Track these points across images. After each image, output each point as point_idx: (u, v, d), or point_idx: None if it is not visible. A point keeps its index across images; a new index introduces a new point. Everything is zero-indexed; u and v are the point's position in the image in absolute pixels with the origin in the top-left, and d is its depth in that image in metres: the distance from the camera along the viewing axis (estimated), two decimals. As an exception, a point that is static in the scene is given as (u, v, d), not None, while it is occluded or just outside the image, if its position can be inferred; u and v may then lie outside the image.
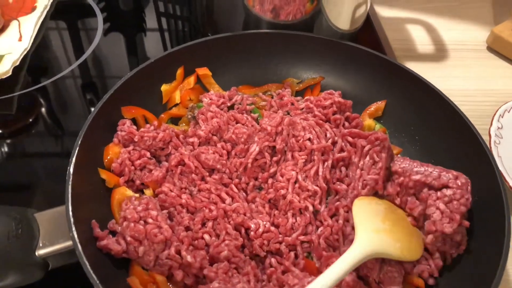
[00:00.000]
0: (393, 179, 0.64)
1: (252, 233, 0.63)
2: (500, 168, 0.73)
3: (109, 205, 0.64)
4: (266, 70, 0.86)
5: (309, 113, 0.77)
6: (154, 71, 0.78)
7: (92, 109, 0.76)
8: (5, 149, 0.82)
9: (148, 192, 0.67)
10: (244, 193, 0.69)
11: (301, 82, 0.86)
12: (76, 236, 0.54)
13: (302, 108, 0.79)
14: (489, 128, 0.79)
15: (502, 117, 0.82)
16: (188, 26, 1.12)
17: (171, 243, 0.59)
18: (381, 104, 0.81)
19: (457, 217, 0.58)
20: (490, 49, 1.05)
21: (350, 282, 0.56)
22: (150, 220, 0.59)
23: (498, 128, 0.80)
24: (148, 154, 0.70)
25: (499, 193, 0.61)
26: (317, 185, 0.67)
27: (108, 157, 0.68)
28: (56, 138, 0.86)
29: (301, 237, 0.64)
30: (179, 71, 0.80)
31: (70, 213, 0.56)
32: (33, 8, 1.04)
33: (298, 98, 0.82)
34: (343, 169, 0.69)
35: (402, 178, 0.63)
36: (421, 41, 1.07)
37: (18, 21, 1.01)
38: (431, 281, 0.61)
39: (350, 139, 0.69)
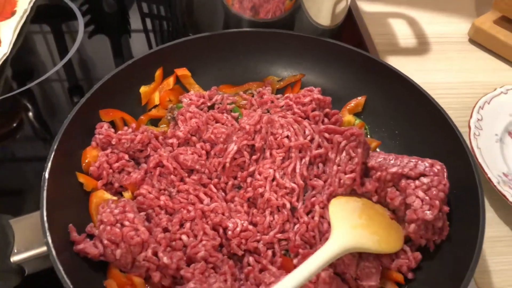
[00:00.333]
0: (371, 175, 0.64)
1: (229, 232, 0.63)
2: (479, 159, 0.73)
3: (88, 209, 0.64)
4: (247, 68, 0.85)
5: (289, 111, 0.77)
6: (133, 73, 0.77)
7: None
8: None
9: (127, 194, 0.67)
10: (223, 193, 0.69)
11: (281, 80, 0.85)
12: (50, 241, 0.54)
13: (282, 106, 0.79)
14: (469, 120, 0.79)
15: (482, 108, 0.82)
16: (173, 26, 1.12)
17: (148, 245, 0.58)
18: (361, 99, 0.80)
19: (437, 203, 0.59)
20: (472, 41, 1.06)
21: (326, 278, 0.56)
22: (126, 223, 0.59)
23: (478, 119, 0.80)
24: (126, 156, 0.70)
25: (474, 182, 0.62)
26: (294, 182, 0.67)
27: (86, 161, 0.68)
28: (41, 142, 0.86)
29: (279, 235, 0.64)
30: (158, 72, 0.80)
31: (45, 218, 0.56)
32: (13, 13, 1.03)
33: (278, 96, 0.82)
34: (320, 165, 0.69)
35: (379, 173, 0.63)
36: (404, 35, 1.07)
37: (-3, 26, 1.00)
38: (410, 275, 0.61)
39: (326, 135, 0.69)
